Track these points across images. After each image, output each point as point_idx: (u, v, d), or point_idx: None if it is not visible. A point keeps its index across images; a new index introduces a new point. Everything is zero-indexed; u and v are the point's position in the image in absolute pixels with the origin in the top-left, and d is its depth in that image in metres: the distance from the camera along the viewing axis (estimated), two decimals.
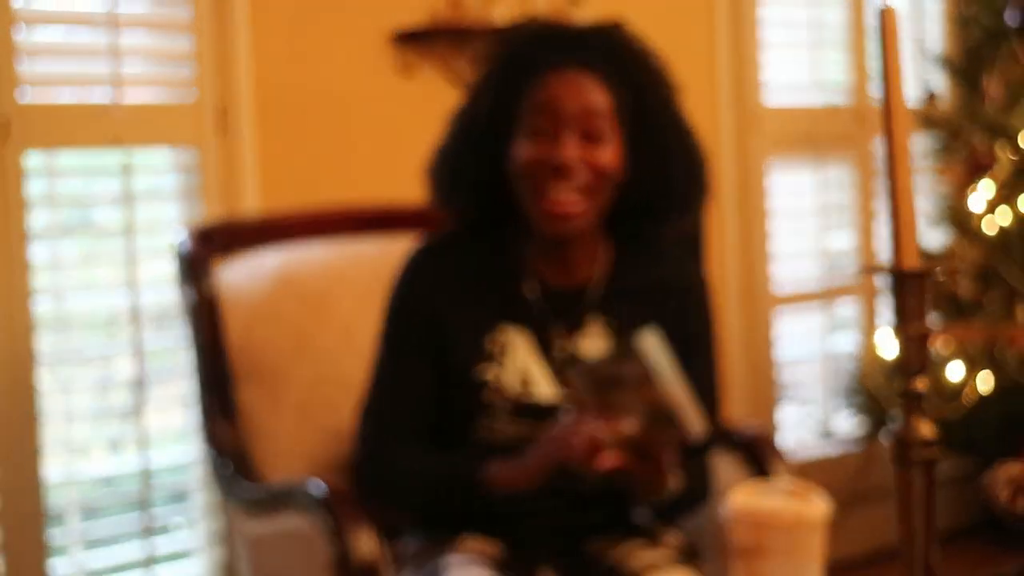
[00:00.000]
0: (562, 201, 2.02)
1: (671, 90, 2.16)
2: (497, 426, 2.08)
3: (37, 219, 2.90)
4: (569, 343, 2.11)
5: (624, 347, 1.88)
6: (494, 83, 2.09)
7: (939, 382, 3.79)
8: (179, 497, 3.15)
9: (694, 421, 1.83)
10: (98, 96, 2.97)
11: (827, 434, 4.22)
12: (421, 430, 2.12)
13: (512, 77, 2.06)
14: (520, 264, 2.13)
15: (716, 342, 2.23)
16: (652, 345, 1.84)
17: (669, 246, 2.20)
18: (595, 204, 2.05)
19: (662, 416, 1.84)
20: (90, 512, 3.02)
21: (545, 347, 2.10)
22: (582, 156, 2.01)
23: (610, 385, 1.87)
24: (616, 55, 2.10)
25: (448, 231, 2.20)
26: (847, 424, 4.29)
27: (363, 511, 2.17)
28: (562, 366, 2.09)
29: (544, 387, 2.08)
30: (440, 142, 2.17)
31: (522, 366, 2.09)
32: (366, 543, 2.12)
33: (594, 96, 2.03)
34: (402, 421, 2.12)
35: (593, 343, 2.11)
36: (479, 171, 2.10)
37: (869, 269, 4.70)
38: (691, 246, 2.21)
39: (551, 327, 2.11)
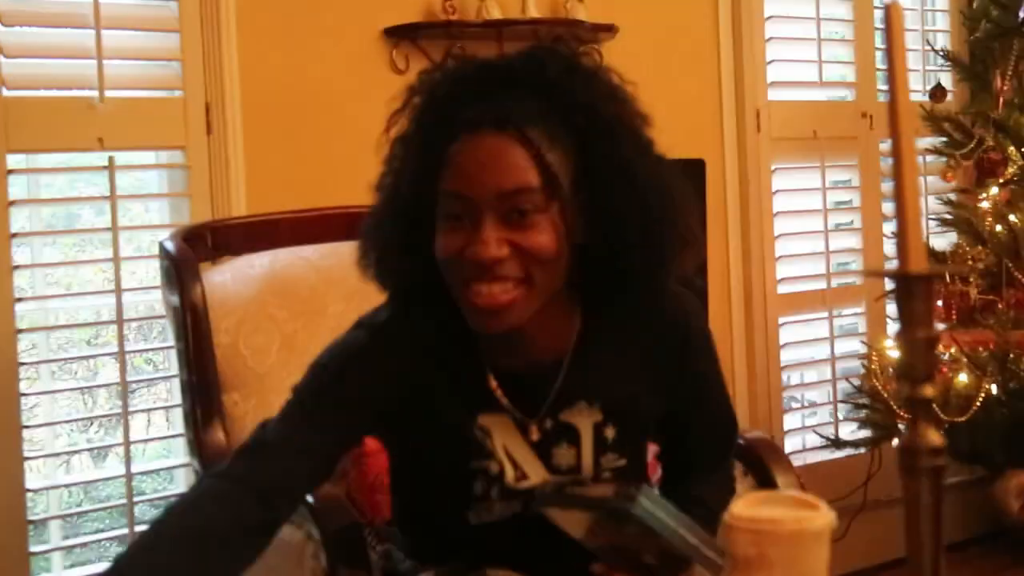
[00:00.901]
0: (490, 294, 1.71)
1: (626, 123, 1.80)
2: (491, 508, 1.87)
3: (20, 221, 2.85)
4: (550, 423, 1.87)
5: (621, 505, 1.66)
6: (411, 148, 1.80)
7: (947, 388, 3.73)
8: (164, 504, 3.10)
9: (712, 559, 1.74)
10: (82, 96, 2.92)
11: (832, 441, 4.16)
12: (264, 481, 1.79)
13: (428, 141, 1.76)
14: (475, 350, 1.85)
15: (721, 382, 2.03)
16: (648, 507, 1.65)
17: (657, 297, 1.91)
18: (534, 289, 1.74)
19: (676, 556, 1.74)
20: (73, 519, 2.99)
21: (524, 431, 1.86)
22: (508, 240, 1.70)
23: (623, 524, 1.69)
24: (552, 93, 1.75)
25: (392, 313, 1.88)
26: (853, 431, 4.23)
27: (353, 520, 2.13)
28: (545, 447, 1.86)
29: (533, 471, 1.87)
30: (369, 215, 1.89)
31: (508, 453, 1.86)
32: (355, 553, 2.08)
33: (516, 171, 1.69)
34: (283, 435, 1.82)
35: (582, 417, 1.88)
36: (409, 252, 1.81)
37: (875, 272, 4.65)
38: (684, 295, 1.91)
39: (528, 411, 1.87)
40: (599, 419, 1.88)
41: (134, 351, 3.03)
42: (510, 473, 1.85)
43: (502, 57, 1.86)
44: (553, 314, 1.83)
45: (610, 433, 1.88)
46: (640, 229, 1.76)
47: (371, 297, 2.16)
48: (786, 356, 4.25)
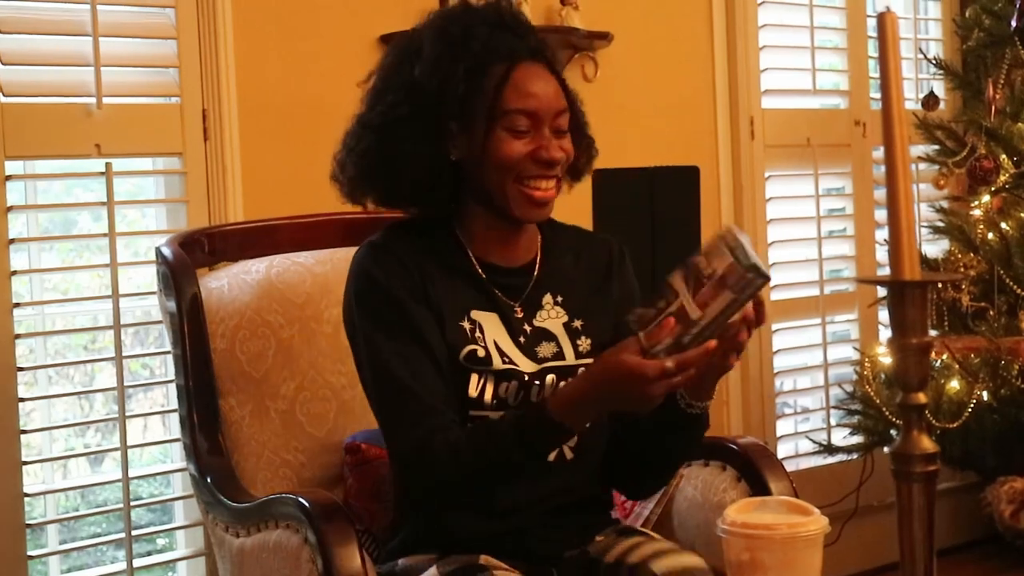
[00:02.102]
0: (547, 188, 2.13)
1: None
2: (485, 391, 2.11)
3: (18, 227, 2.86)
4: (532, 322, 2.18)
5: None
6: (440, 69, 2.11)
7: (939, 395, 3.74)
8: (161, 508, 3.11)
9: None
10: (80, 103, 2.92)
11: (825, 446, 4.17)
12: (449, 406, 2.08)
13: (473, 66, 2.10)
14: (465, 251, 2.19)
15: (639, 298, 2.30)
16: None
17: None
18: (559, 189, 2.17)
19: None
20: (70, 523, 3.00)
21: (509, 326, 2.15)
22: (559, 148, 2.12)
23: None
24: (536, 36, 2.19)
25: (394, 224, 2.24)
26: (845, 437, 4.25)
27: (350, 524, 2.13)
28: (530, 347, 2.15)
29: (521, 361, 2.13)
30: (358, 133, 2.23)
31: (497, 346, 2.13)
32: (352, 557, 2.08)
33: (559, 95, 2.14)
34: (432, 408, 2.05)
35: (552, 320, 2.19)
36: (423, 160, 2.13)
37: (868, 279, 4.66)
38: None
39: (511, 308, 2.17)
40: (566, 319, 2.20)
41: (131, 356, 3.03)
42: (497, 360, 2.11)
43: (495, 4, 2.20)
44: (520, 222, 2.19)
45: (577, 324, 2.21)
46: (586, 142, 2.24)
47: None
48: (779, 362, 4.26)
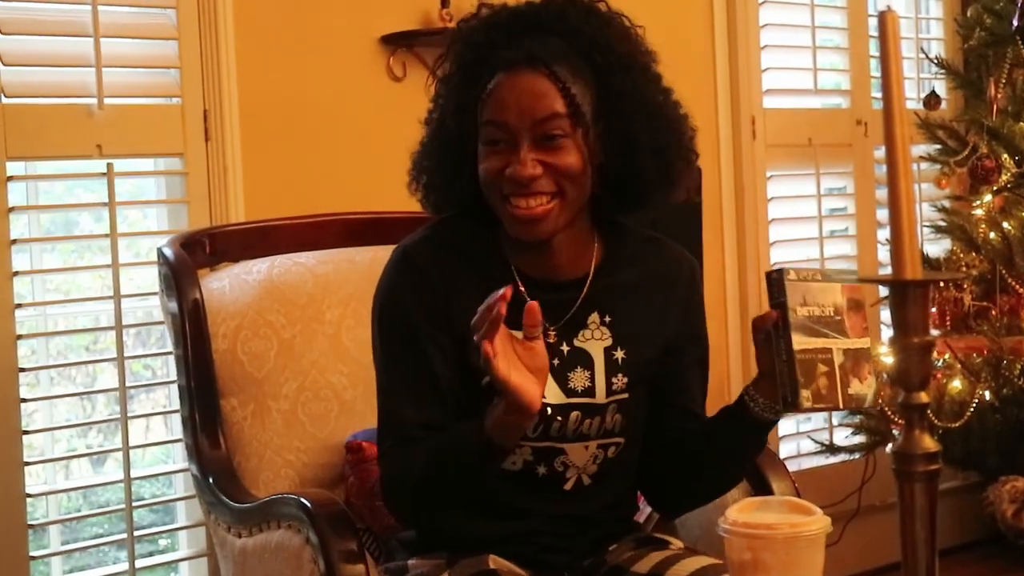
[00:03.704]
0: (527, 206, 1.97)
1: (636, 59, 2.07)
2: None
3: (19, 228, 2.86)
4: (572, 342, 2.07)
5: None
6: (453, 85, 2.06)
7: (941, 394, 3.74)
8: (163, 509, 3.11)
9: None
10: (81, 103, 2.92)
11: (827, 446, 4.17)
12: (440, 421, 2.03)
13: (468, 78, 2.03)
14: (506, 264, 2.07)
15: (706, 332, 2.21)
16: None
17: (655, 231, 2.18)
18: (565, 202, 1.99)
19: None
20: (72, 524, 2.99)
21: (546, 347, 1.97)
22: (541, 161, 1.96)
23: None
24: (573, 35, 2.01)
25: (430, 229, 2.12)
26: (847, 436, 4.25)
27: (351, 524, 2.13)
28: (562, 372, 2.04)
29: (550, 392, 2.02)
30: (419, 146, 2.14)
31: None
32: (353, 558, 2.08)
33: (546, 101, 1.96)
34: (415, 422, 2.02)
35: (594, 342, 2.07)
36: (455, 176, 2.06)
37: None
38: (688, 224, 2.14)
39: (549, 329, 2.05)
40: (609, 343, 2.07)
41: (133, 357, 3.03)
42: None
43: (529, 5, 2.08)
44: (577, 235, 2.07)
45: (619, 355, 2.07)
46: (650, 150, 2.03)
47: (367, 303, 2.18)
48: None
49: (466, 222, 2.10)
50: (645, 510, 2.51)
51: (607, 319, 2.08)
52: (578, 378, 2.05)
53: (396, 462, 2.02)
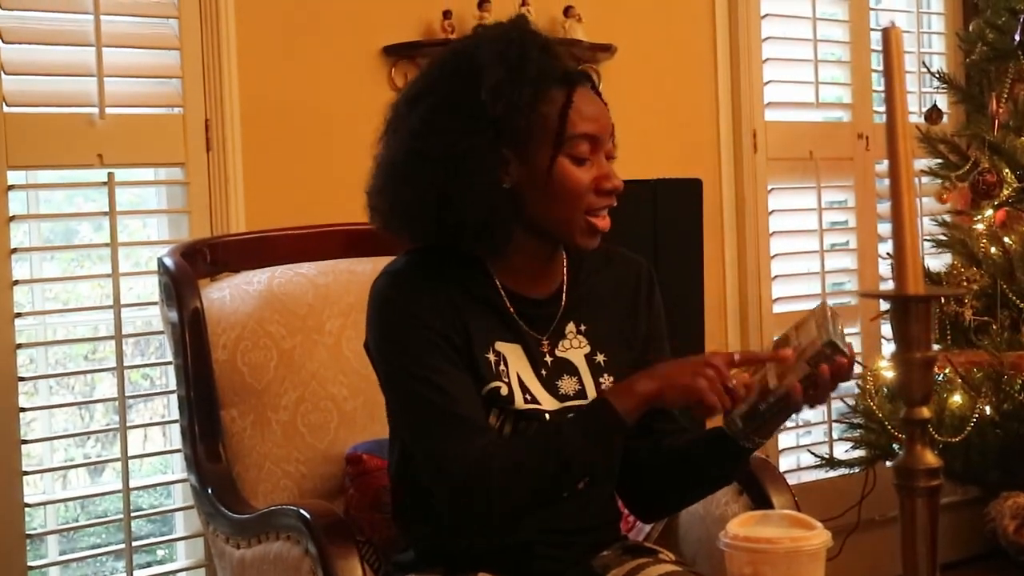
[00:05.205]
0: (607, 218, 2.07)
1: None
2: (504, 430, 2.05)
3: (19, 237, 2.86)
4: (553, 352, 2.12)
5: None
6: (508, 94, 1.98)
7: (942, 409, 3.73)
8: (161, 519, 3.11)
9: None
10: (83, 113, 2.92)
11: (827, 460, 4.16)
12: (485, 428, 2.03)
13: (534, 91, 1.99)
14: (490, 279, 2.10)
15: (666, 332, 2.27)
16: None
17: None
18: None
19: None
20: (70, 534, 2.99)
21: (532, 359, 2.09)
22: (616, 175, 2.07)
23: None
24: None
25: (408, 255, 2.11)
26: (847, 450, 4.24)
27: (350, 535, 2.12)
28: (551, 380, 2.09)
29: (543, 398, 2.07)
30: (388, 168, 2.09)
31: (520, 381, 2.07)
32: (352, 570, 2.08)
33: (609, 116, 2.08)
34: (479, 428, 2.00)
35: (574, 350, 2.14)
36: (490, 194, 2.01)
37: (871, 293, 4.65)
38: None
39: (535, 340, 2.11)
40: (588, 350, 2.14)
41: (132, 366, 3.03)
42: (519, 399, 2.04)
43: (528, 27, 2.11)
44: (555, 251, 2.14)
45: (600, 359, 2.13)
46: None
47: None
48: None
49: (440, 248, 2.08)
50: (645, 526, 2.51)
51: (583, 328, 2.15)
52: (566, 384, 2.10)
53: (480, 452, 1.95)
